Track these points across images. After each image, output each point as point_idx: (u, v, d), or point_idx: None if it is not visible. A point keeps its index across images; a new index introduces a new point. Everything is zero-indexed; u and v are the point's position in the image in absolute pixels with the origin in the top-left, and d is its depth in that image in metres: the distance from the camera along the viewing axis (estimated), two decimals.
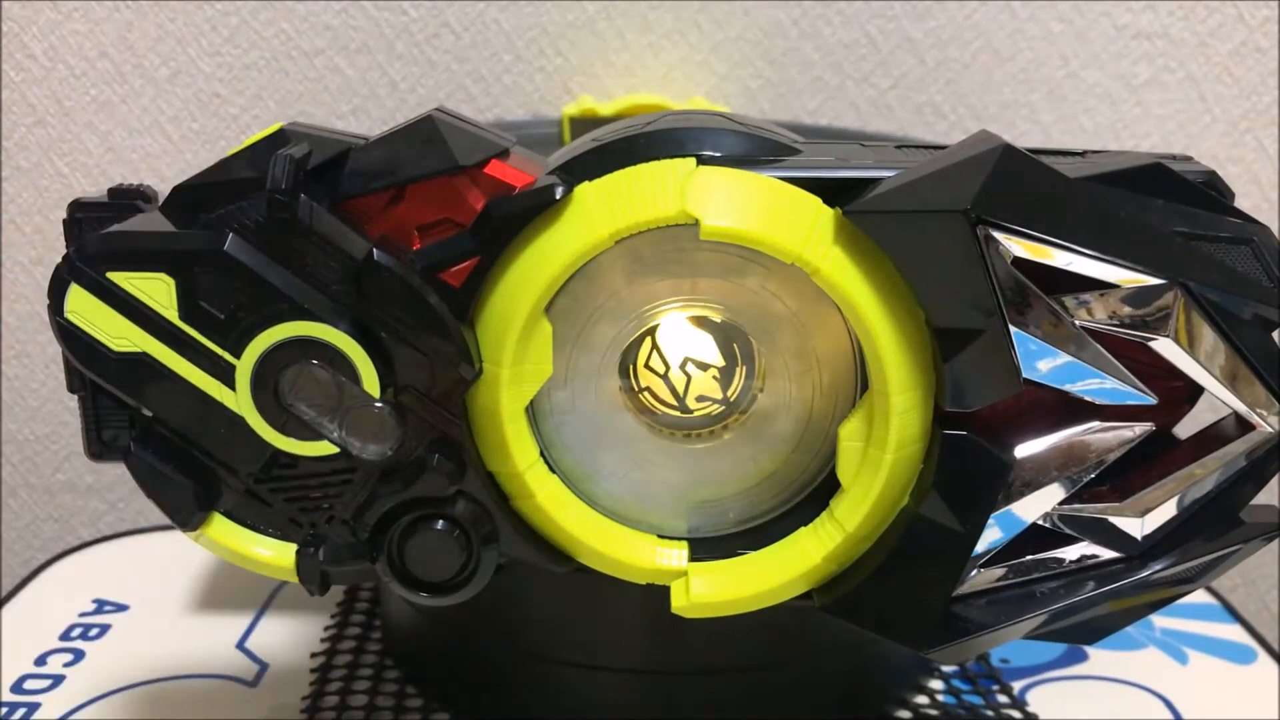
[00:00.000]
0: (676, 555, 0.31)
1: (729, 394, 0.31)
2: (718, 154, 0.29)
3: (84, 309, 0.28)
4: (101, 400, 0.31)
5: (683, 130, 0.29)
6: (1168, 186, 0.29)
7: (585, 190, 0.28)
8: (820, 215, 0.28)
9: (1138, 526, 0.30)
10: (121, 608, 0.47)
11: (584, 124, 0.49)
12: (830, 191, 0.28)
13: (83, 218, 0.31)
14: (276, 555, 0.30)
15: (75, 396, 0.31)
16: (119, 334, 0.28)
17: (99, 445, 0.32)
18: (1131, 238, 0.28)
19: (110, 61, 0.56)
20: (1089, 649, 0.44)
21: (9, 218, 0.58)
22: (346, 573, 0.31)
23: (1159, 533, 0.31)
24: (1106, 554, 0.31)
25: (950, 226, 0.27)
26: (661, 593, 0.31)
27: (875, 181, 0.28)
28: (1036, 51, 0.56)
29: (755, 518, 0.32)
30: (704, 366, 0.31)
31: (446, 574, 0.30)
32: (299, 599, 0.46)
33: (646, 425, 0.31)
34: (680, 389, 0.31)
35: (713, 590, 0.30)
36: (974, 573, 0.30)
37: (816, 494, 0.31)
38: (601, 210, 0.28)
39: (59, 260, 0.28)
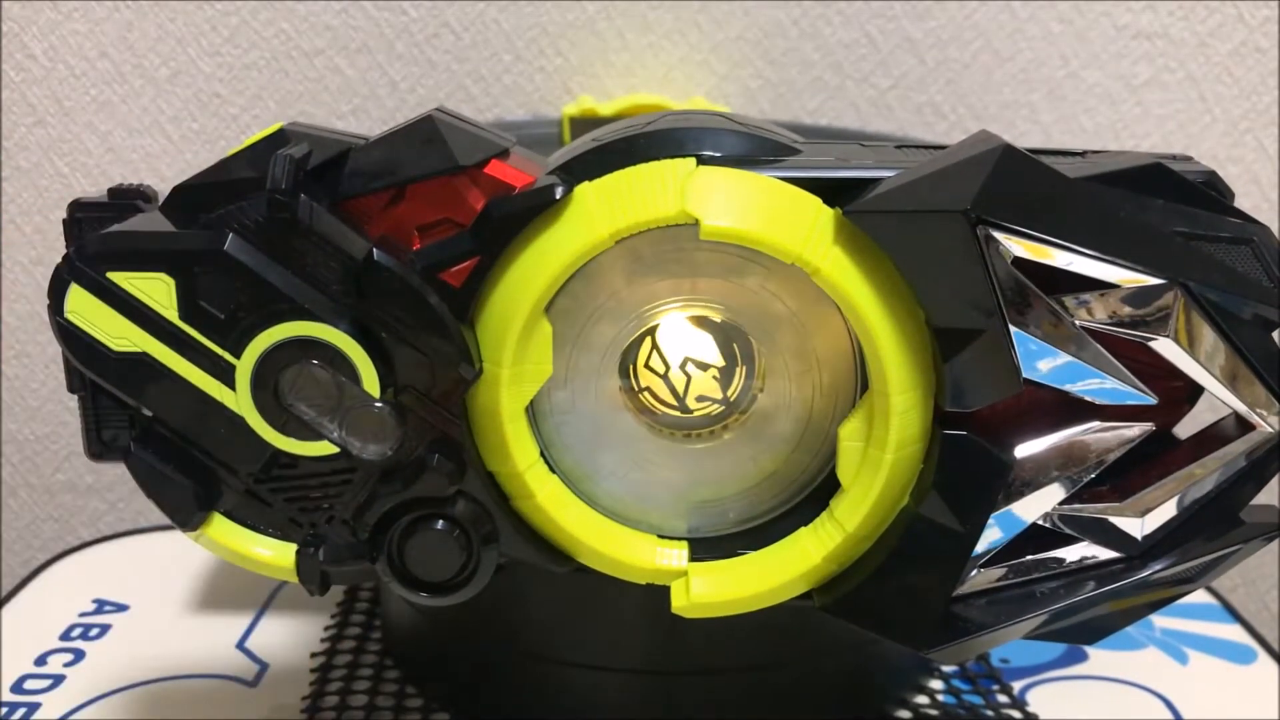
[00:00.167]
0: (676, 555, 0.31)
1: (729, 394, 0.31)
2: (718, 154, 0.29)
3: (84, 309, 0.28)
4: (101, 400, 0.31)
5: (683, 130, 0.29)
6: (1168, 186, 0.29)
7: (585, 190, 0.28)
8: (820, 215, 0.28)
9: (1138, 526, 0.30)
10: (121, 608, 0.47)
11: (584, 124, 0.49)
12: (830, 191, 0.28)
13: (83, 218, 0.31)
14: (276, 555, 0.30)
15: (75, 396, 0.31)
16: (119, 334, 0.28)
17: (99, 445, 0.32)
18: (1131, 238, 0.28)
19: (110, 61, 0.56)
20: (1089, 649, 0.44)
21: (9, 218, 0.58)
22: (346, 573, 0.31)
23: (1159, 533, 0.31)
24: (1106, 554, 0.31)
25: (950, 226, 0.27)
26: (661, 593, 0.31)
27: (875, 181, 0.28)
28: (1036, 51, 0.56)
29: (755, 518, 0.32)
30: (704, 366, 0.31)
31: (446, 574, 0.30)
32: (299, 599, 0.46)
33: (646, 425, 0.31)
34: (680, 389, 0.31)
35: (713, 590, 0.30)
36: (974, 573, 0.30)
37: (816, 494, 0.31)
38: (601, 210, 0.28)
39: (59, 260, 0.28)
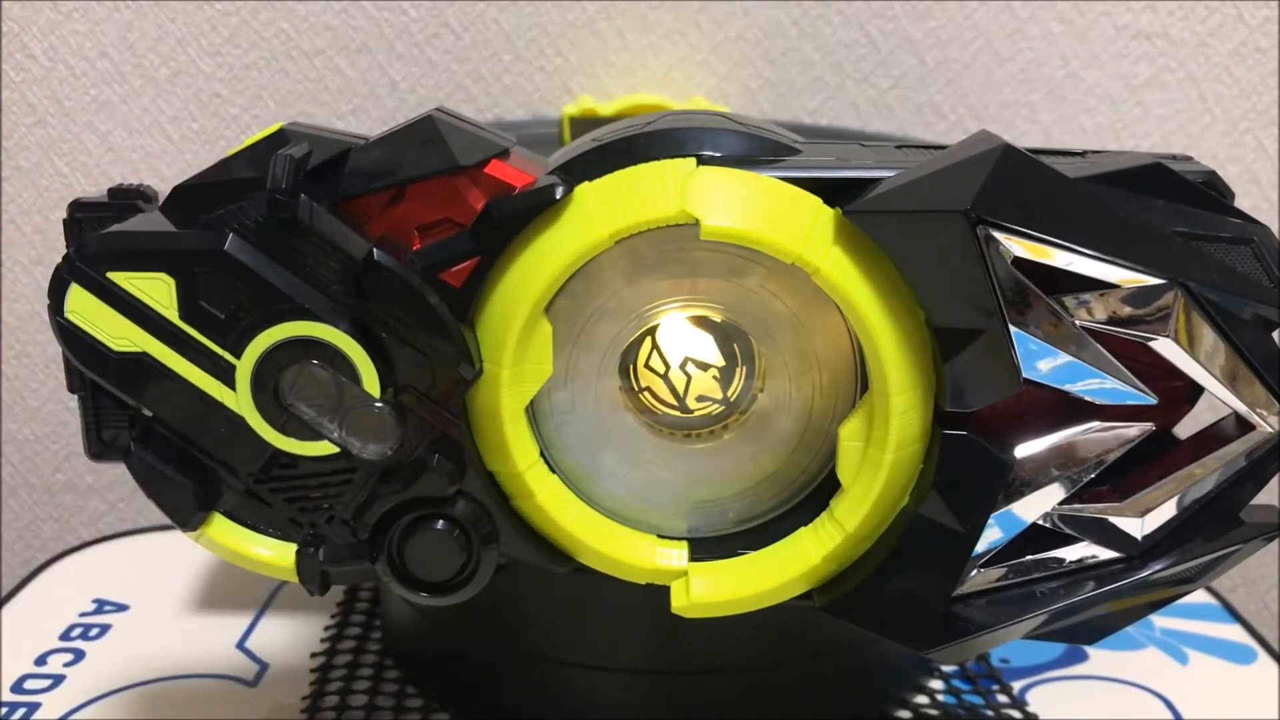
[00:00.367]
0: (676, 555, 0.31)
1: (729, 394, 0.31)
2: (718, 154, 0.29)
3: (84, 309, 0.28)
4: (101, 400, 0.31)
5: (683, 130, 0.29)
6: (1168, 186, 0.29)
7: (585, 190, 0.28)
8: (820, 215, 0.28)
9: (1138, 526, 0.30)
10: (121, 608, 0.47)
11: (584, 124, 0.49)
12: (830, 191, 0.28)
13: (83, 218, 0.31)
14: (276, 555, 0.30)
15: (75, 396, 0.31)
16: (119, 334, 0.28)
17: (99, 445, 0.32)
18: (1131, 238, 0.28)
19: (110, 61, 0.56)
20: (1089, 649, 0.44)
21: (9, 218, 0.58)
22: (346, 573, 0.31)
23: (1159, 533, 0.31)
24: (1106, 554, 0.31)
25: (950, 226, 0.27)
26: (661, 593, 0.31)
27: (875, 181, 0.28)
28: (1036, 51, 0.56)
29: (755, 518, 0.32)
30: (704, 366, 0.31)
31: (446, 574, 0.30)
32: (299, 599, 0.46)
33: (646, 425, 0.31)
34: (680, 389, 0.31)
35: (713, 590, 0.30)
36: (974, 573, 0.30)
37: (816, 494, 0.31)
38: (601, 210, 0.28)
39: (59, 260, 0.28)
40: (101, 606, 0.47)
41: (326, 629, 0.44)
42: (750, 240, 0.28)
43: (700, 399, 0.31)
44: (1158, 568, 0.31)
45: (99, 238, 0.28)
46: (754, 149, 0.29)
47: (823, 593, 0.31)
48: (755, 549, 0.31)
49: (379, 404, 0.28)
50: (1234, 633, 0.47)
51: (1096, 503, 0.30)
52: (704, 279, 0.30)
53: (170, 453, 0.30)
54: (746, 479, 0.32)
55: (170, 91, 0.57)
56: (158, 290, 0.28)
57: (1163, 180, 0.29)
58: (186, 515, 0.30)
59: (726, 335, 0.31)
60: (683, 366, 0.31)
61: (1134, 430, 0.30)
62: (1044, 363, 0.28)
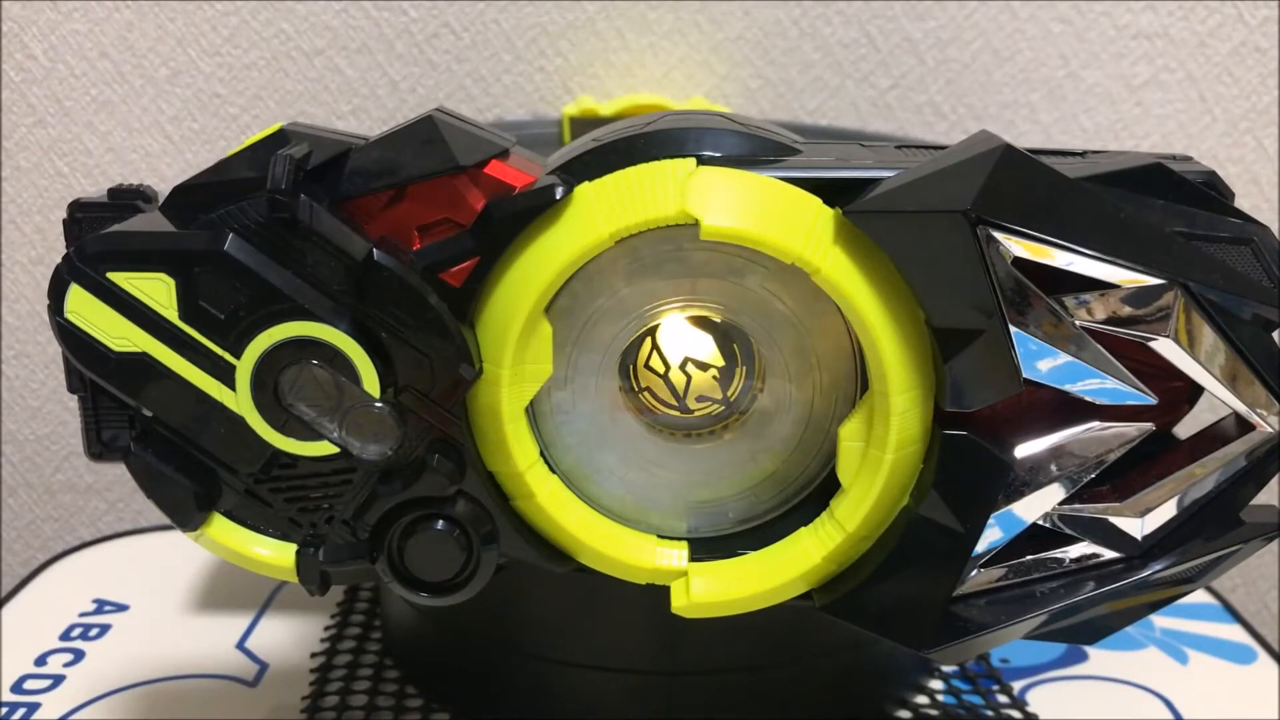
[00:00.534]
0: (676, 555, 0.31)
1: (729, 394, 0.31)
2: (718, 154, 0.29)
3: (84, 309, 0.28)
4: (101, 400, 0.31)
5: (683, 130, 0.29)
6: (1168, 186, 0.29)
7: (585, 190, 0.28)
8: (820, 215, 0.28)
9: (1138, 526, 0.30)
10: (121, 608, 0.47)
11: (584, 124, 0.49)
12: (830, 191, 0.28)
13: (83, 218, 0.31)
14: (276, 555, 0.30)
15: (75, 396, 0.31)
16: (119, 334, 0.28)
17: (99, 445, 0.32)
18: (1131, 238, 0.28)
19: (110, 61, 0.56)
20: (1089, 649, 0.44)
21: (9, 218, 0.58)
22: (346, 573, 0.31)
23: (1159, 533, 0.31)
24: (1106, 554, 0.31)
25: (950, 227, 0.27)
26: (661, 593, 0.31)
27: (875, 181, 0.28)
28: (1036, 51, 0.56)
29: (755, 518, 0.32)
30: (704, 367, 0.31)
31: (446, 574, 0.30)
32: (299, 599, 0.46)
33: (646, 425, 0.31)
34: (680, 389, 0.31)
35: (713, 590, 0.30)
36: (974, 573, 0.30)
37: (816, 494, 0.31)
38: (601, 210, 0.28)
39: (59, 260, 0.28)
40: (101, 607, 0.47)
41: (326, 629, 0.44)
42: (750, 240, 0.28)
43: (700, 399, 0.31)
44: (1158, 568, 0.31)
45: (99, 238, 0.28)
46: (754, 149, 0.29)
47: (823, 593, 0.31)
48: (755, 549, 0.31)
49: (379, 404, 0.28)
50: (1234, 633, 0.47)
51: (1096, 503, 0.30)
52: (704, 279, 0.30)
53: (170, 453, 0.30)
54: (746, 479, 0.32)
55: (170, 91, 0.57)
56: (158, 290, 0.28)
57: (1163, 180, 0.29)
58: (186, 515, 0.30)
59: (726, 335, 0.31)
60: (683, 367, 0.31)
61: (1134, 430, 0.30)
62: (1044, 363, 0.28)
